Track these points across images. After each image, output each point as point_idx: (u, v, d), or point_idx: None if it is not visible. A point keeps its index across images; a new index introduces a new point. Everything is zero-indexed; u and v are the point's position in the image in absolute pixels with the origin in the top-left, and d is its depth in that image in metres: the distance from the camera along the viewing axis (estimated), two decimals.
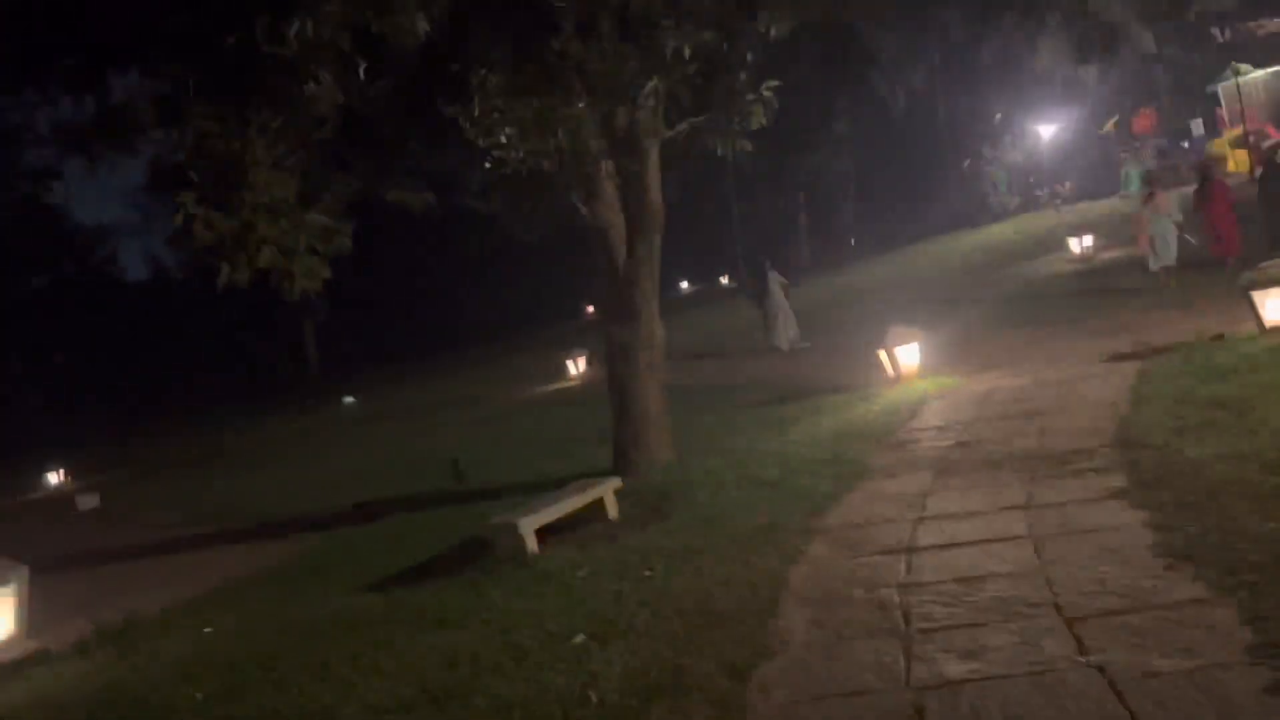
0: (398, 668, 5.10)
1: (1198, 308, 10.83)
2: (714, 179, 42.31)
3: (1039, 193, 40.30)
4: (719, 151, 9.05)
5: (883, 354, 10.83)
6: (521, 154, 7.88)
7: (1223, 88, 30.39)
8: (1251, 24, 48.58)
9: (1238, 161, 30.20)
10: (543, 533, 7.28)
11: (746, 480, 7.79)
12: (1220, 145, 31.34)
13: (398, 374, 35.33)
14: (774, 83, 7.23)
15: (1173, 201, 13.92)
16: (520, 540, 7.02)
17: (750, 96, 7.17)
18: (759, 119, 7.29)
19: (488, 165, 8.00)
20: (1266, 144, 26.60)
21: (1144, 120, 36.65)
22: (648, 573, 5.89)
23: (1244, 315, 9.58)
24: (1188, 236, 13.40)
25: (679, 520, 7.05)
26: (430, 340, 44.16)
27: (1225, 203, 13.19)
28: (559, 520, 7.43)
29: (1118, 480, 5.62)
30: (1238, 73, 29.01)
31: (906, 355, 10.72)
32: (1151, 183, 15.17)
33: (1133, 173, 34.31)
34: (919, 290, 20.83)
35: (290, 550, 9.88)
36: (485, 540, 7.41)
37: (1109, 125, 38.30)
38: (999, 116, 42.45)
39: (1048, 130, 40.66)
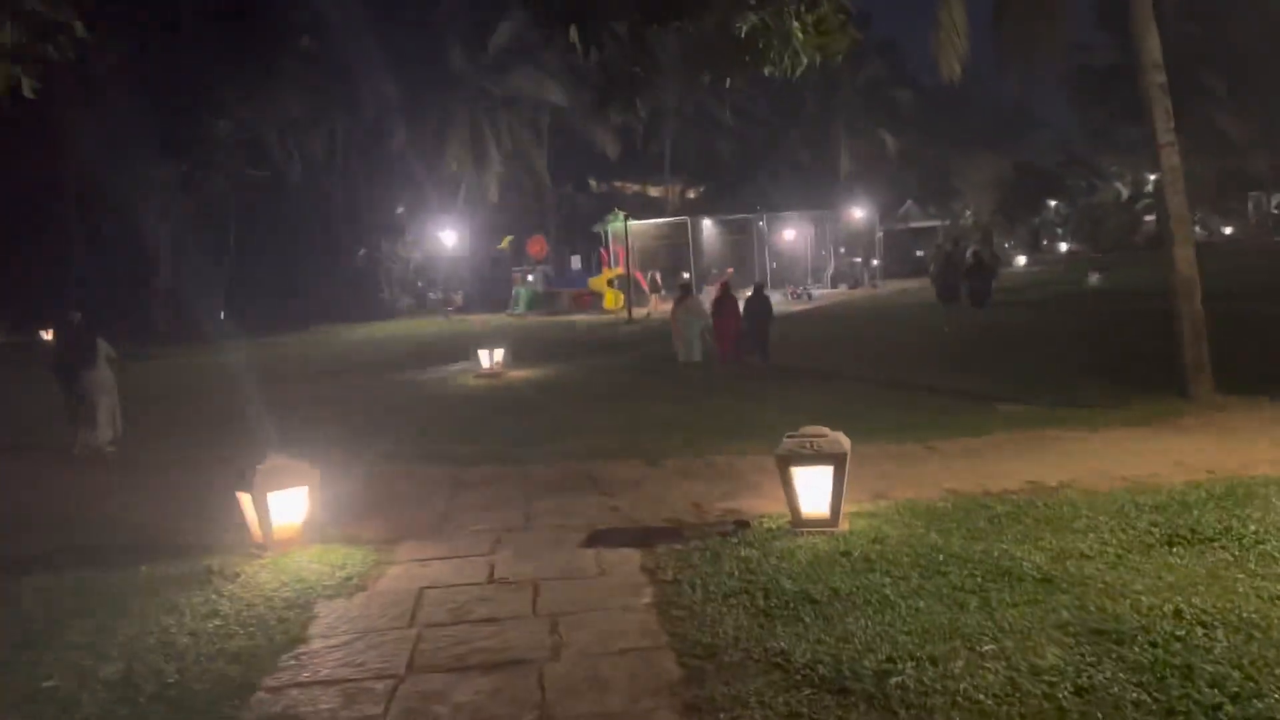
0: None
1: (669, 466, 8.64)
2: (55, 186, 32.23)
3: (432, 296, 39.21)
4: None
5: (245, 500, 6.60)
6: None
7: (612, 229, 32.22)
8: (618, 182, 55.76)
9: (614, 298, 31.97)
10: None
11: None
12: (599, 282, 33.00)
13: None
14: None
15: (701, 306, 16.99)
16: None
17: None
18: None
19: None
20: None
21: (536, 245, 37.84)
22: None
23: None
24: (706, 336, 16.27)
25: None
26: None
27: (735, 315, 16.21)
28: None
29: None
30: (623, 219, 30.90)
31: (285, 507, 6.63)
32: (684, 289, 18.30)
33: (522, 293, 34.73)
34: (303, 389, 16.61)
35: None
36: None
37: (504, 243, 38.99)
38: (401, 210, 40.83)
39: (448, 236, 40.11)
